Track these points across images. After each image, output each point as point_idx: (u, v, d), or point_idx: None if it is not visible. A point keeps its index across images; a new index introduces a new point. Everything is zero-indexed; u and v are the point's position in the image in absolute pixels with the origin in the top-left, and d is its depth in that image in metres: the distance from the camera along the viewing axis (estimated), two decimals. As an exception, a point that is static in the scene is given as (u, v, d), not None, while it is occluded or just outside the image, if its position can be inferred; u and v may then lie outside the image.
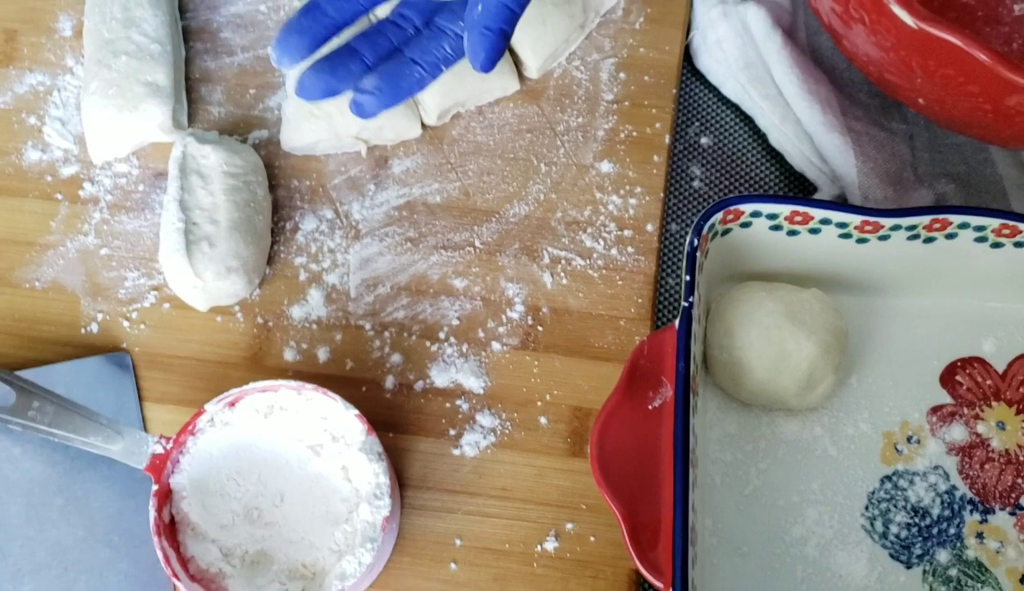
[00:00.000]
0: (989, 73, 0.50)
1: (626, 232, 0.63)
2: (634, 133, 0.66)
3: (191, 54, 0.68)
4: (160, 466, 0.53)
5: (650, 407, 0.54)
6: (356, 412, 0.54)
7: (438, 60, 0.59)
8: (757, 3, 0.65)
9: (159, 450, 0.53)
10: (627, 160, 0.65)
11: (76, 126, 0.66)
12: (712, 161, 0.68)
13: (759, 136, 0.68)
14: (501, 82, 0.65)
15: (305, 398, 0.55)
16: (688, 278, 0.55)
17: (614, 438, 0.54)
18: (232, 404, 0.55)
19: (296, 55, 0.57)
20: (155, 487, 0.52)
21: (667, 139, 0.66)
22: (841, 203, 0.59)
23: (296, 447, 0.54)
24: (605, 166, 0.65)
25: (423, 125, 0.65)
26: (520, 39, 0.65)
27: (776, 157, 0.68)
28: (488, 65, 0.54)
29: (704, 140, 0.69)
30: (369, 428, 0.53)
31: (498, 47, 0.54)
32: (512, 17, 0.53)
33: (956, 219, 0.56)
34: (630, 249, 0.63)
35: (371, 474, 0.53)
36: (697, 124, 0.69)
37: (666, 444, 0.52)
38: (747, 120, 0.69)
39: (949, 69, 0.52)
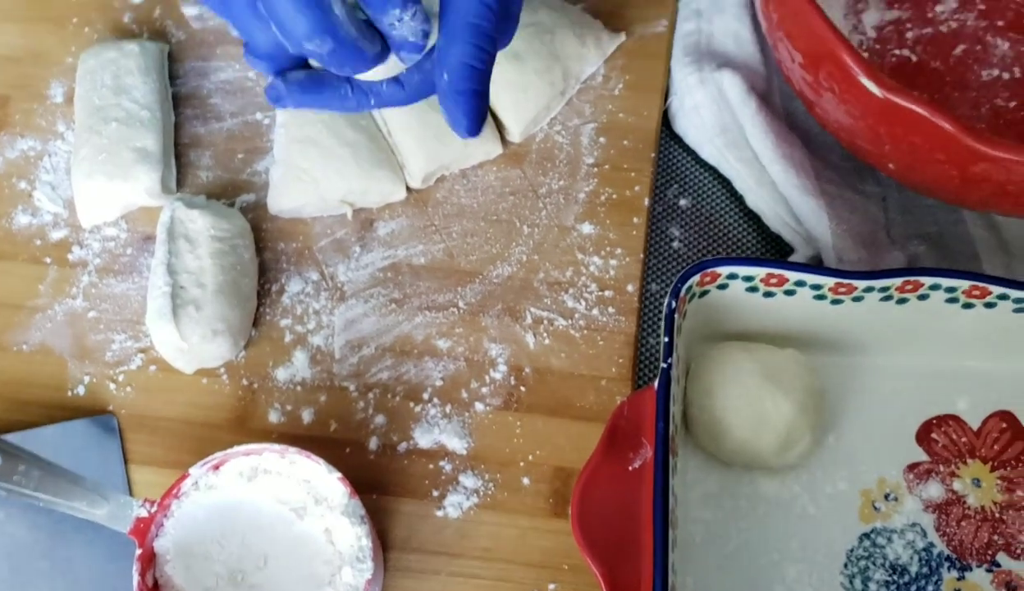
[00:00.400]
0: (954, 141, 0.51)
1: (607, 292, 0.65)
2: (614, 196, 0.67)
3: (181, 120, 0.70)
4: (144, 530, 0.53)
5: (630, 468, 0.55)
6: (339, 475, 0.54)
7: (368, 93, 0.54)
8: (732, 70, 0.67)
9: (143, 514, 0.54)
10: (607, 222, 0.66)
11: (66, 191, 0.67)
12: (691, 222, 0.70)
13: (736, 198, 0.70)
14: (484, 147, 0.67)
15: (289, 461, 0.55)
16: (667, 340, 0.56)
17: (595, 499, 0.54)
18: (216, 467, 0.55)
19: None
20: (139, 551, 0.53)
21: (646, 201, 0.67)
22: (815, 265, 0.60)
23: (279, 510, 0.55)
24: (586, 228, 0.66)
25: (408, 188, 0.67)
26: (502, 105, 0.67)
27: (753, 218, 0.69)
28: (472, 129, 0.53)
29: (683, 202, 0.70)
30: (352, 491, 0.54)
31: (475, 108, 0.52)
32: (479, 75, 0.51)
33: (927, 281, 0.58)
34: (611, 309, 0.64)
35: (353, 537, 0.53)
36: (676, 186, 0.71)
37: (646, 504, 0.53)
38: (724, 182, 0.70)
39: (916, 137, 0.53)
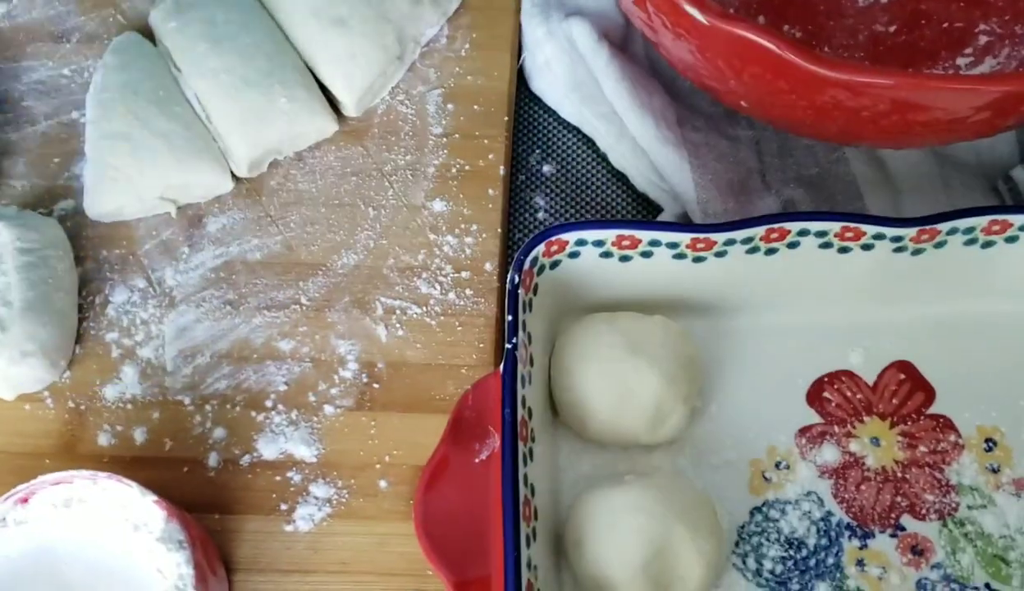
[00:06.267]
0: (791, 67, 0.46)
1: (464, 274, 0.60)
2: (467, 167, 0.62)
3: (-9, 128, 0.64)
4: (-52, 578, 0.48)
5: (477, 460, 0.50)
6: (154, 498, 0.49)
7: None
8: (581, 18, 0.62)
9: (-54, 562, 0.49)
10: (461, 196, 0.61)
11: None
12: (556, 189, 0.64)
13: (602, 159, 0.64)
14: (315, 124, 0.61)
15: (102, 488, 0.50)
16: (511, 318, 0.51)
17: (440, 497, 0.50)
18: (25, 500, 0.50)
19: None
20: (-58, 603, 0.48)
21: (502, 171, 0.62)
22: (668, 222, 0.56)
23: (98, 540, 0.50)
24: (438, 205, 0.61)
25: (236, 177, 0.61)
26: (331, 77, 0.61)
27: (622, 180, 0.64)
28: None
29: (547, 168, 0.65)
30: (169, 514, 0.49)
31: None
32: None
33: (794, 226, 0.53)
34: (469, 291, 0.59)
35: (173, 565, 0.48)
36: (539, 152, 0.66)
37: (495, 499, 0.48)
38: (589, 143, 0.65)
39: (754, 67, 0.48)
